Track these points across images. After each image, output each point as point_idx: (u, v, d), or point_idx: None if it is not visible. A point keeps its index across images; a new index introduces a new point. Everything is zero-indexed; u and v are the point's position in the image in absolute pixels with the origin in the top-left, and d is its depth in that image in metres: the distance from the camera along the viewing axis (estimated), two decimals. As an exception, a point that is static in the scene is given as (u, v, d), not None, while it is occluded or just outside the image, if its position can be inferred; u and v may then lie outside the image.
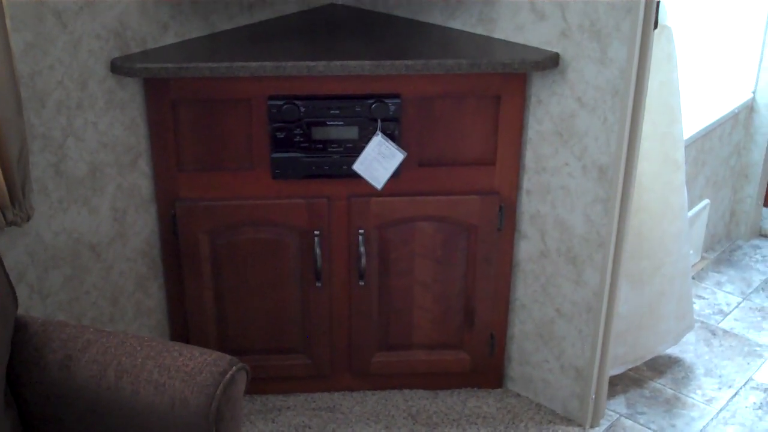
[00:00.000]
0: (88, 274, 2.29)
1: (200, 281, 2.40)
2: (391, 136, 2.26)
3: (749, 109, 3.36)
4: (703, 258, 3.44)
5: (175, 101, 2.23)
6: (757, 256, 3.47)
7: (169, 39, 2.27)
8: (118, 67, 2.15)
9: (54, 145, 2.12)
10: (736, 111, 3.29)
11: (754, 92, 3.33)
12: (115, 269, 2.35)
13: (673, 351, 2.84)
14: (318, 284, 2.41)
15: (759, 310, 3.12)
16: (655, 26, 2.14)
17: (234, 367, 1.64)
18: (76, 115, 2.14)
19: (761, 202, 3.53)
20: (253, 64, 2.15)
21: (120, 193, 2.29)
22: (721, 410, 2.63)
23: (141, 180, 2.33)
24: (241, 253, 2.39)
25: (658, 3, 2.13)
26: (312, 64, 2.15)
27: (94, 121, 2.18)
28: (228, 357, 1.66)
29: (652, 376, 2.76)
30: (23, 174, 1.97)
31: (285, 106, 2.21)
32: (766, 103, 3.33)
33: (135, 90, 2.24)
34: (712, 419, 2.58)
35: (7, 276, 1.75)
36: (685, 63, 2.91)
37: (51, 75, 2.06)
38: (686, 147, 2.68)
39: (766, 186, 3.49)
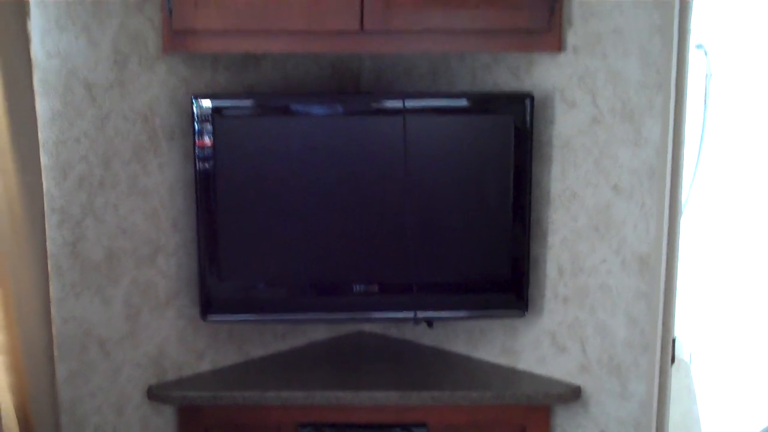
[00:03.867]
0: None
1: None
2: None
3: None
4: None
5: (208, 427, 2.28)
6: None
7: (205, 366, 2.36)
8: (155, 395, 2.23)
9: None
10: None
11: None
12: None
13: None
14: None
15: None
16: (672, 361, 2.22)
17: None
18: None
19: None
20: (284, 393, 2.22)
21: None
22: None
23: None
24: None
25: (675, 339, 2.22)
26: (341, 394, 2.22)
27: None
28: None
29: None
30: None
31: (315, 434, 2.27)
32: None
33: (169, 416, 2.29)
34: None
35: None
36: (704, 394, 2.94)
37: (91, 402, 2.14)
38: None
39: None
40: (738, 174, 3.19)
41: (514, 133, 2.24)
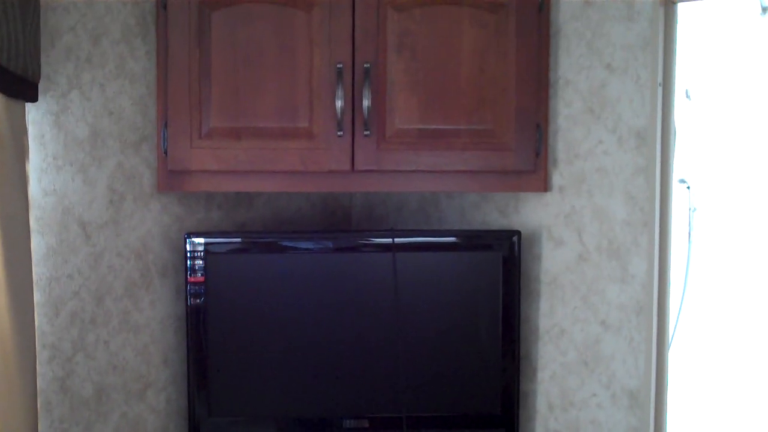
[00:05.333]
0: None
1: None
2: None
3: None
4: None
5: None
6: None
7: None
8: None
9: None
10: None
11: None
12: None
13: None
14: None
15: None
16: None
17: None
18: None
19: None
20: None
21: None
22: None
23: None
24: None
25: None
26: None
27: None
28: None
29: None
30: None
31: None
32: None
33: None
34: None
35: None
36: None
37: None
38: None
39: None
40: (725, 303, 3.23)
41: (502, 270, 2.27)
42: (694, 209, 3.04)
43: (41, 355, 2.06)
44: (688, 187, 3.04)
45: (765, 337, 3.16)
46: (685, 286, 2.93)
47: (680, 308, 2.89)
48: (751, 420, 3.20)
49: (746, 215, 3.22)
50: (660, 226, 2.17)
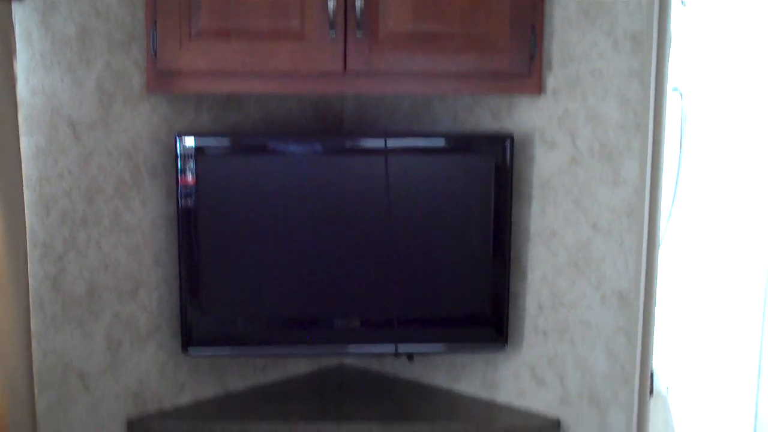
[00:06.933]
0: None
1: None
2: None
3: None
4: None
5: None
6: None
7: (185, 399, 2.37)
8: (135, 427, 2.23)
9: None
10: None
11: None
12: None
13: None
14: None
15: None
16: (651, 393, 2.25)
17: None
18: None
19: None
20: (265, 425, 2.25)
21: None
22: None
23: None
24: None
25: (653, 372, 2.25)
26: (322, 426, 2.24)
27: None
28: None
29: None
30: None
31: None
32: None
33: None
34: None
35: None
36: (681, 427, 2.98)
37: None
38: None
39: None
40: (712, 212, 3.26)
41: (494, 173, 2.28)
42: (686, 117, 3.04)
43: (33, 254, 2.06)
44: (681, 96, 3.03)
45: (751, 240, 3.21)
46: (675, 192, 2.95)
47: (670, 213, 2.91)
48: (737, 319, 3.26)
49: (739, 126, 3.22)
50: (653, 130, 2.17)
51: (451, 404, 2.43)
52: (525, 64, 2.18)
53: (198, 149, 2.22)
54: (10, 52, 1.93)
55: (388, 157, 2.27)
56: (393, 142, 2.29)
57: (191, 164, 2.22)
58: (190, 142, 2.21)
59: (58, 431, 2.13)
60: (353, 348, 2.44)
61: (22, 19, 1.99)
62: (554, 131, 2.26)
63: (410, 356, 2.43)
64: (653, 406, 2.34)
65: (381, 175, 2.27)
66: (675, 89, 2.97)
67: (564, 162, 2.25)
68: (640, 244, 2.17)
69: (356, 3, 2.07)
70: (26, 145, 2.02)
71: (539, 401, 2.34)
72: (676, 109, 2.99)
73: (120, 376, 2.23)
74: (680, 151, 2.97)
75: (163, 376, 2.33)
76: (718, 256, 3.27)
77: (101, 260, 2.19)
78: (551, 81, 2.24)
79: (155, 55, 2.10)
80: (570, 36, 2.21)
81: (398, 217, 2.29)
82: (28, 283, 1.99)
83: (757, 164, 3.21)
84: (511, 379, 2.39)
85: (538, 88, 2.23)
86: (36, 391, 2.01)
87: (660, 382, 2.43)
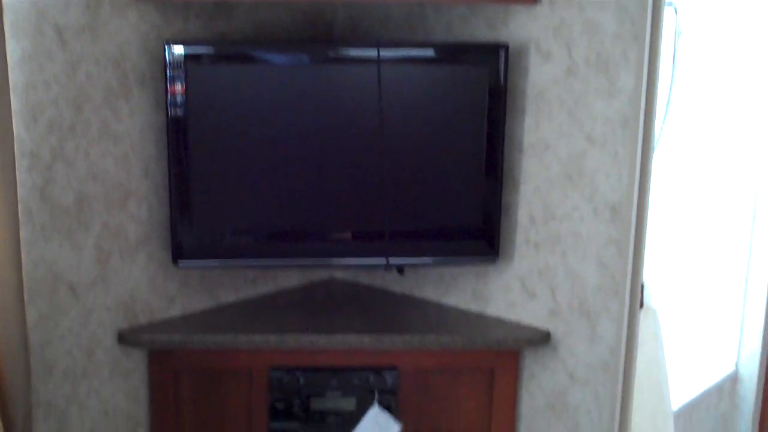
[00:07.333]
0: None
1: None
2: (387, 407, 2.30)
3: (733, 380, 3.43)
4: None
5: (177, 371, 2.29)
6: None
7: (176, 311, 2.37)
8: (125, 338, 2.23)
9: (57, 412, 2.15)
10: (721, 382, 3.36)
11: (737, 364, 3.42)
12: None
13: None
14: None
15: None
16: (641, 306, 2.26)
17: None
18: (81, 383, 2.19)
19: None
20: (256, 337, 2.24)
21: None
22: None
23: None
24: None
25: (643, 285, 2.26)
26: (313, 338, 2.24)
27: (97, 390, 2.23)
28: None
29: None
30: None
31: (286, 378, 2.27)
32: (748, 374, 3.41)
33: (140, 360, 2.30)
34: None
35: None
36: (670, 340, 3.02)
37: (62, 345, 2.14)
38: (675, 418, 2.73)
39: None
40: (702, 127, 3.26)
41: (488, 84, 2.25)
42: (680, 32, 3.01)
43: (20, 163, 2.02)
44: (676, 11, 2.99)
45: (741, 154, 3.22)
46: (667, 106, 2.93)
47: (662, 126, 2.90)
48: (726, 227, 3.29)
49: (730, 42, 3.19)
50: (650, 41, 2.14)
51: (440, 317, 2.44)
52: (521, -28, 2.14)
53: (188, 57, 2.17)
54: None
55: (380, 67, 2.23)
56: (386, 52, 2.25)
57: (180, 73, 2.17)
58: (179, 50, 2.16)
59: (49, 342, 2.12)
60: (344, 260, 2.43)
61: None
62: (550, 41, 2.22)
63: (401, 269, 2.43)
64: (643, 319, 2.36)
65: (373, 85, 2.24)
66: (669, 3, 2.93)
67: (559, 73, 2.22)
68: (634, 157, 2.15)
69: None
70: (12, 49, 1.96)
71: (529, 313, 2.35)
72: (671, 23, 2.95)
73: (110, 287, 2.22)
74: (673, 66, 2.94)
75: (154, 288, 2.32)
76: (708, 171, 3.28)
77: (89, 170, 2.15)
78: (548, -11, 2.20)
79: (141, -43, 2.05)
80: (567, -57, 2.16)
81: (390, 128, 2.26)
82: (16, 193, 1.96)
83: (749, 78, 3.19)
84: (501, 292, 2.39)
85: (534, -3, 2.19)
86: (26, 300, 2.00)
87: (650, 297, 2.45)
